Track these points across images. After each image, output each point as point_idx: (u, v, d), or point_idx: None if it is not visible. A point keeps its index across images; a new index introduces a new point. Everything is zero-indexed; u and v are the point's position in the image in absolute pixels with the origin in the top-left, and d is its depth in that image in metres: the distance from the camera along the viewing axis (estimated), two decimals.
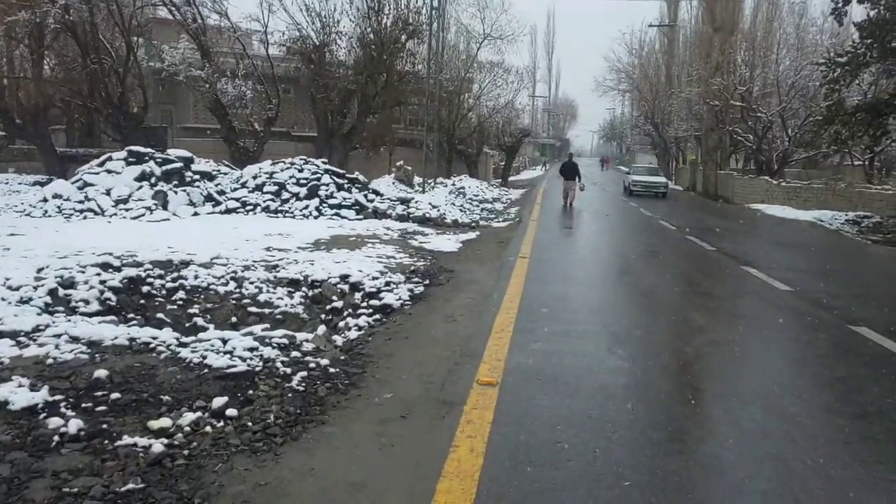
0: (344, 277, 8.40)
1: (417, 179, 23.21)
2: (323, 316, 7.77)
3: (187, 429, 3.73)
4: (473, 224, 16.36)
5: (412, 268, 9.25)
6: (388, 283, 8.21)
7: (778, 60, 32.17)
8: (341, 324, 7.42)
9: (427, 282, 8.39)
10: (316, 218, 15.49)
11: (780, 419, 4.09)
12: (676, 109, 44.55)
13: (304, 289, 8.29)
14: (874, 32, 17.98)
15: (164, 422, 3.80)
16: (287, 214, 15.67)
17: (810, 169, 35.37)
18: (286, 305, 7.87)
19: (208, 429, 3.74)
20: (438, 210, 17.21)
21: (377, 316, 7.24)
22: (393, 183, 21.92)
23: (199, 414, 3.93)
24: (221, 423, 3.83)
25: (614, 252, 12.55)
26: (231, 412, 3.94)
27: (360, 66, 26.34)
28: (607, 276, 9.96)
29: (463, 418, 3.85)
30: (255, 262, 9.11)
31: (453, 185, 25.34)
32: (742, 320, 7.06)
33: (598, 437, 3.70)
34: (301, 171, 16.95)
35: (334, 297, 8.01)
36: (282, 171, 16.95)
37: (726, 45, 31.89)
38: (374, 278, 8.40)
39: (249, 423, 3.81)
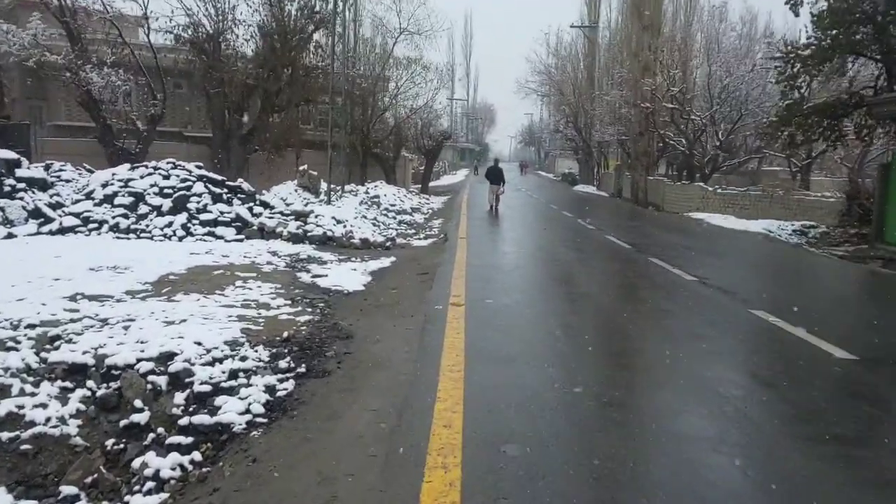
0: (165, 359, 5.01)
1: (324, 186, 19.75)
2: (111, 442, 4.39)
3: None
4: (388, 244, 13.15)
5: (287, 332, 5.94)
6: (236, 373, 4.88)
7: (700, 63, 30.79)
8: (136, 463, 4.08)
9: (304, 367, 5.10)
10: (181, 239, 11.87)
11: None
12: (600, 113, 42.79)
13: (91, 382, 4.86)
14: (836, 22, 16.02)
15: None
16: (143, 234, 11.97)
17: (729, 175, 34.27)
18: (48, 420, 4.43)
19: None
20: (344, 226, 13.86)
21: (197, 454, 3.96)
22: (296, 190, 18.37)
23: None
24: None
25: (575, 288, 9.56)
26: None
27: (260, 58, 23.19)
28: (585, 339, 6.48)
29: None
30: (26, 328, 5.58)
31: (366, 192, 21.97)
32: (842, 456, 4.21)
33: None
34: (167, 177, 13.23)
35: (138, 402, 4.63)
36: (141, 177, 13.17)
37: (655, 43, 30.04)
38: (216, 359, 5.06)
39: None
